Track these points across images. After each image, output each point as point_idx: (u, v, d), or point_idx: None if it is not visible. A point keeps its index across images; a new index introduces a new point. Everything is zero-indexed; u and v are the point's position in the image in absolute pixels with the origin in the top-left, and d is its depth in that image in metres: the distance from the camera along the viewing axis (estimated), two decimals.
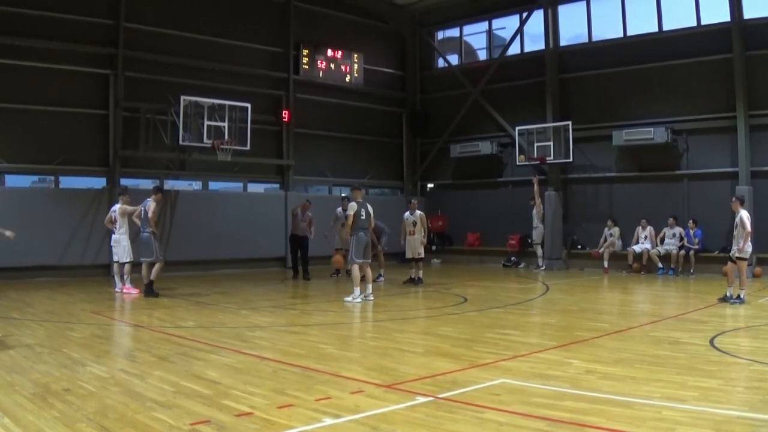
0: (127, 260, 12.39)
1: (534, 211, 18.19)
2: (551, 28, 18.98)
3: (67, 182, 16.07)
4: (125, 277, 12.43)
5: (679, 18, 16.70)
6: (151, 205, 11.78)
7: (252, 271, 17.28)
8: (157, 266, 11.73)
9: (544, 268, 17.87)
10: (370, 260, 11.50)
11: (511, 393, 5.28)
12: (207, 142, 16.02)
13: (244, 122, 16.64)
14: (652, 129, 16.39)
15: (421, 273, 14.24)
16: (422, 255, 14.32)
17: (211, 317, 9.66)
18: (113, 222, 12.46)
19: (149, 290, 11.60)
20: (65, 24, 15.38)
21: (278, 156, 19.13)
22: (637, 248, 16.62)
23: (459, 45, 22.09)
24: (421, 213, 14.42)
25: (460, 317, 9.69)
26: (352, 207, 11.32)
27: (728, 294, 10.66)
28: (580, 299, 12.72)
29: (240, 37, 18.19)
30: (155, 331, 8.59)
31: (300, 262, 15.63)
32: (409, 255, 14.32)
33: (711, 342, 7.26)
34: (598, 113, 17.99)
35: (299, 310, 10.80)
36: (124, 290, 12.28)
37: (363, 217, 11.37)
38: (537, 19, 19.46)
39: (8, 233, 8.17)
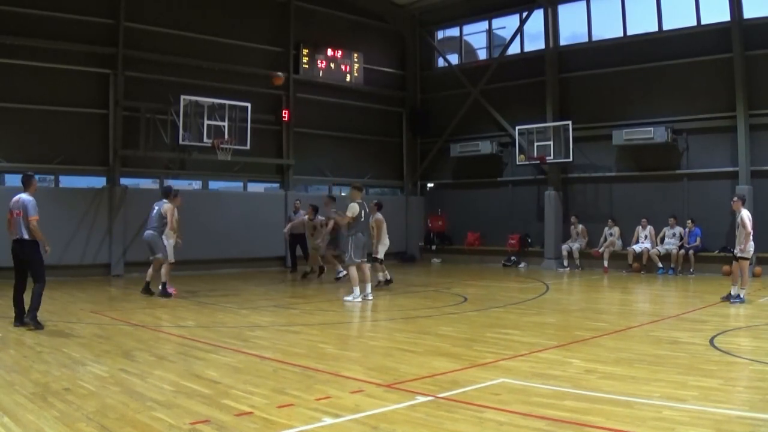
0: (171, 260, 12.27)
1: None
2: (551, 27, 18.97)
3: (67, 182, 16.07)
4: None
5: (679, 17, 16.70)
6: (169, 207, 11.60)
7: (252, 270, 17.28)
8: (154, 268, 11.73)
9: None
10: (366, 260, 11.52)
11: (512, 392, 5.28)
12: (207, 141, 16.02)
13: (244, 122, 16.64)
14: (652, 128, 16.38)
15: (388, 274, 13.42)
16: (375, 256, 13.04)
17: (211, 317, 9.66)
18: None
19: (161, 291, 11.64)
20: (65, 23, 15.38)
21: (278, 155, 19.12)
22: (637, 248, 16.61)
23: (459, 44, 22.08)
24: (378, 216, 12.93)
25: (460, 317, 9.69)
26: (353, 208, 11.19)
27: (732, 293, 10.67)
28: (580, 299, 12.74)
29: (240, 36, 18.18)
30: (155, 330, 8.59)
31: (301, 256, 16.35)
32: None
33: (711, 342, 7.26)
34: (598, 113, 17.98)
35: (299, 309, 10.79)
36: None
37: (362, 219, 11.32)
38: (537, 18, 19.46)
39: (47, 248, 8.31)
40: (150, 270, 11.88)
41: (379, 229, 12.97)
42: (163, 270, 11.57)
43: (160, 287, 11.62)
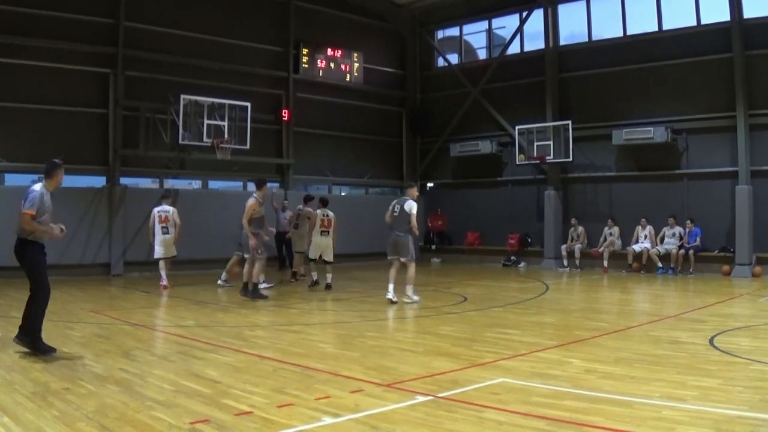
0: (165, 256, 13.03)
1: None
2: (551, 27, 18.97)
3: (67, 181, 15.78)
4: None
5: (679, 17, 16.69)
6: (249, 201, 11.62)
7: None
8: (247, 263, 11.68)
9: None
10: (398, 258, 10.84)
11: (511, 392, 5.28)
12: (207, 141, 16.01)
13: (244, 121, 16.63)
14: (651, 128, 16.38)
15: (315, 275, 13.09)
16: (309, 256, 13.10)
17: (210, 316, 9.66)
18: (167, 221, 13.04)
19: (255, 292, 11.41)
20: (65, 23, 15.38)
21: (278, 155, 19.12)
22: (636, 247, 16.61)
23: (459, 44, 22.08)
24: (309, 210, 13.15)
25: (460, 316, 9.69)
26: (415, 206, 10.56)
27: None
28: (580, 299, 12.74)
29: (240, 36, 18.18)
30: (155, 330, 8.59)
31: (286, 256, 16.21)
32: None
33: (711, 341, 7.26)
34: (598, 112, 17.97)
35: (299, 309, 10.79)
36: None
37: (396, 215, 10.72)
38: (537, 18, 19.46)
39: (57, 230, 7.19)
40: (246, 267, 11.59)
41: (312, 225, 12.82)
42: (256, 268, 11.30)
43: (250, 287, 11.40)
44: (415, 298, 10.72)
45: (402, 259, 10.72)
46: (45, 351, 6.48)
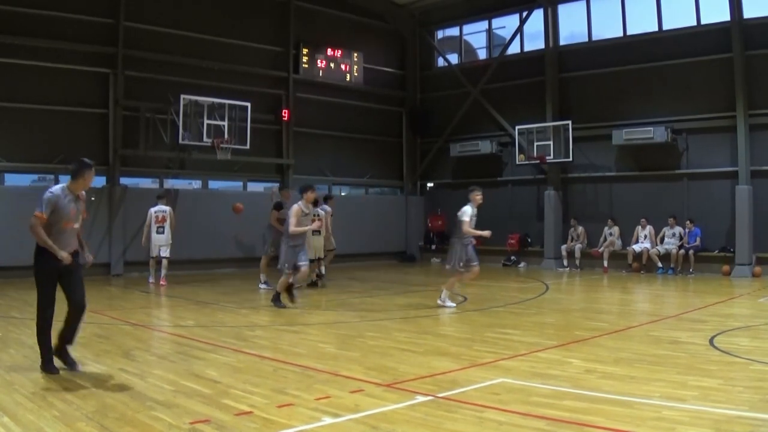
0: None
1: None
2: (551, 27, 18.97)
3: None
4: (164, 272, 13.41)
5: (679, 17, 16.70)
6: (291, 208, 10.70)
7: (252, 270, 17.24)
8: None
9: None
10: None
11: (511, 392, 5.28)
12: (207, 141, 16.02)
13: (244, 121, 16.65)
14: (651, 128, 16.38)
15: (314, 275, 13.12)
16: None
17: (210, 316, 9.66)
18: (164, 221, 13.39)
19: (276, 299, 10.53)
20: (65, 23, 15.38)
21: (278, 155, 19.12)
22: (636, 248, 16.62)
23: (459, 44, 22.08)
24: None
25: (460, 316, 9.69)
26: (467, 212, 10.27)
27: None
28: (580, 299, 12.74)
29: (240, 36, 18.18)
30: (155, 330, 8.58)
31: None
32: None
33: (711, 341, 7.26)
34: (598, 112, 17.97)
35: (299, 309, 10.77)
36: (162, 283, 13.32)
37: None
38: (537, 18, 19.46)
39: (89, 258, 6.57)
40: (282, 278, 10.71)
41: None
42: (282, 279, 10.38)
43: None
44: (449, 303, 10.35)
45: (445, 266, 10.28)
46: (49, 371, 5.81)
